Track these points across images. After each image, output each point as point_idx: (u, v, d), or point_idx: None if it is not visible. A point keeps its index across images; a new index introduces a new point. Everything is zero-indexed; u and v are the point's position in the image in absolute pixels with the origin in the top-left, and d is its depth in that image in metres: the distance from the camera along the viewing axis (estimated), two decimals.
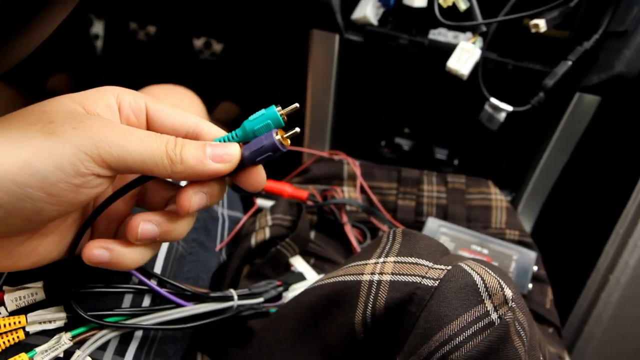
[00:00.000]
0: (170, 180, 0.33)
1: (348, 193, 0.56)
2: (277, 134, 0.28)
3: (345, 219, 0.54)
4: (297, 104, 0.28)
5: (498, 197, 0.57)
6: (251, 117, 0.29)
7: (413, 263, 0.32)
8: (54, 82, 1.12)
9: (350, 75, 0.60)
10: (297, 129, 0.28)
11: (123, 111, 0.30)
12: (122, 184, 0.30)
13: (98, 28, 1.15)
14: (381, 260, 0.33)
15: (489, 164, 0.65)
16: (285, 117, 0.28)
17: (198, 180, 0.28)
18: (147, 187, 0.33)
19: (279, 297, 0.44)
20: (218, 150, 0.28)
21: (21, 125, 0.25)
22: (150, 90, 0.52)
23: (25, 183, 0.24)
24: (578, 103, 0.53)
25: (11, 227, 0.25)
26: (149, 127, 0.31)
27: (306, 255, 0.52)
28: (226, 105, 1.13)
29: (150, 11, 1.11)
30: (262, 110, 0.29)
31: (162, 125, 0.30)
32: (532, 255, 0.52)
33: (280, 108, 0.28)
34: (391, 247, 0.34)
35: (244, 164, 0.29)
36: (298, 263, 0.48)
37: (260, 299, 0.43)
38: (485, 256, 0.52)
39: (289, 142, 0.28)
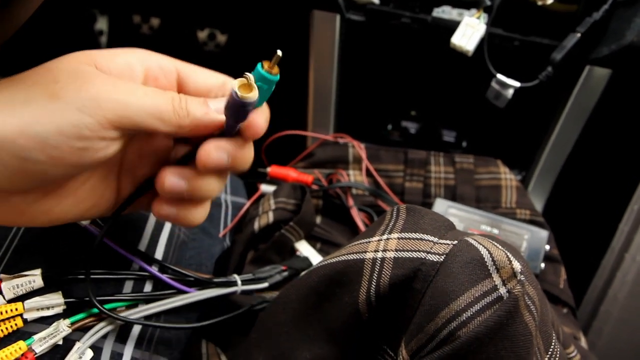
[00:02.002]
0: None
1: (354, 176, 0.55)
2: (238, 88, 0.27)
3: (351, 202, 0.53)
4: (279, 52, 0.27)
5: (508, 177, 0.56)
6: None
7: (417, 239, 0.31)
8: None
9: (354, 57, 0.59)
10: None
11: (151, 71, 0.30)
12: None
13: (102, 24, 1.15)
14: (385, 237, 0.32)
15: (498, 144, 0.64)
16: (275, 69, 0.28)
17: (204, 134, 0.29)
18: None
19: (284, 282, 0.44)
20: (220, 104, 0.28)
21: (26, 85, 0.25)
22: None
23: (25, 146, 0.24)
24: (588, 77, 0.52)
25: (17, 186, 0.25)
26: (181, 89, 0.31)
27: (312, 239, 0.51)
28: None
29: (154, 3, 1.11)
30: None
31: (196, 86, 0.30)
32: (543, 234, 0.51)
33: (266, 64, 0.28)
34: (395, 223, 0.33)
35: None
36: (303, 247, 0.47)
37: (265, 284, 0.42)
38: (495, 236, 0.51)
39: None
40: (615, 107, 0.54)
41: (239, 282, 0.41)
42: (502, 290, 0.28)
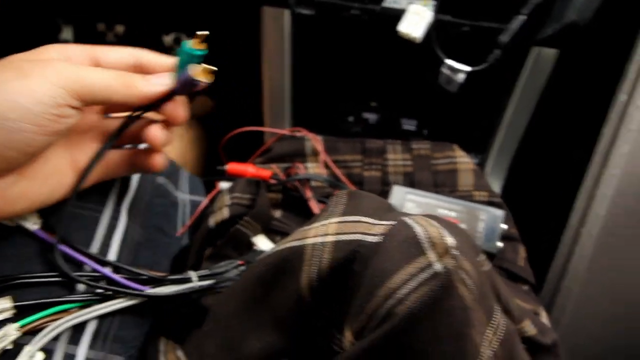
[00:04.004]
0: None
1: (312, 169, 0.56)
2: (194, 70, 0.34)
3: (309, 194, 0.53)
4: (206, 31, 0.33)
5: (464, 160, 0.56)
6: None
7: (356, 221, 0.31)
8: None
9: (308, 51, 0.60)
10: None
11: (74, 59, 0.35)
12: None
13: (67, 34, 1.14)
14: (325, 222, 0.33)
15: (456, 130, 0.64)
16: (201, 45, 0.34)
17: (150, 103, 0.36)
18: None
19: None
20: (158, 79, 0.35)
21: None
22: None
23: (16, 118, 0.29)
24: (536, 58, 0.53)
25: (8, 161, 0.30)
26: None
27: (271, 233, 0.51)
28: (201, 100, 1.12)
29: (117, 10, 1.10)
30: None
31: (108, 63, 0.35)
32: (499, 213, 0.52)
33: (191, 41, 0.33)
34: (336, 208, 0.33)
35: (176, 92, 0.36)
36: (261, 242, 0.47)
37: (222, 279, 0.42)
38: (452, 219, 0.52)
39: (209, 76, 0.35)
40: (565, 86, 0.55)
41: (195, 279, 0.41)
42: (438, 266, 0.28)
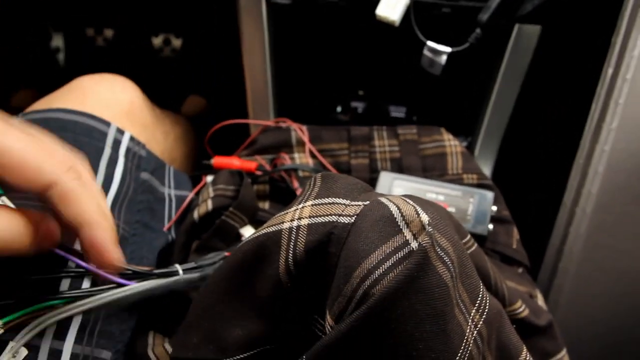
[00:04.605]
0: None
1: (299, 159, 0.55)
2: None
3: (296, 184, 0.53)
4: None
5: (452, 143, 0.56)
6: None
7: (330, 203, 0.31)
8: (19, 99, 1.12)
9: (290, 41, 0.59)
10: None
11: None
12: None
13: (57, 41, 1.15)
14: (300, 206, 0.32)
15: (444, 114, 0.64)
16: None
17: None
18: None
19: None
20: None
21: None
22: (80, 80, 0.51)
23: None
24: (519, 35, 0.52)
25: None
26: None
27: (260, 224, 0.51)
28: (193, 99, 1.12)
29: (105, 14, 1.10)
30: None
31: None
32: (489, 195, 0.51)
33: None
34: (310, 192, 0.33)
35: None
36: (248, 233, 0.47)
37: (209, 271, 0.42)
38: (442, 202, 0.51)
39: None
40: (551, 63, 0.54)
41: (181, 272, 0.41)
42: (414, 245, 0.28)
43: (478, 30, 0.51)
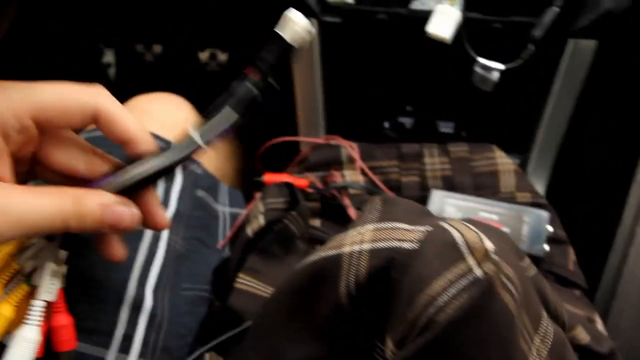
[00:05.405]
0: None
1: (349, 176, 0.56)
2: None
3: (347, 202, 0.53)
4: None
5: (504, 161, 0.55)
6: None
7: (391, 228, 0.31)
8: None
9: (340, 58, 0.60)
10: None
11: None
12: None
13: (109, 57, 1.20)
14: (361, 229, 0.32)
15: (496, 130, 0.63)
16: None
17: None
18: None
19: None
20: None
21: None
22: (136, 100, 0.53)
23: None
24: (574, 50, 0.51)
25: None
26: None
27: (312, 242, 0.51)
28: None
29: (154, 31, 1.14)
30: None
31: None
32: (544, 215, 0.50)
33: None
34: (371, 215, 0.33)
35: None
36: None
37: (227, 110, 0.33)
38: (494, 222, 0.50)
39: None
40: (607, 78, 0.53)
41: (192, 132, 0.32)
42: (478, 272, 0.27)
43: (531, 47, 0.50)
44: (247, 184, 0.61)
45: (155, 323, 0.38)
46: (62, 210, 0.27)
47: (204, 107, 0.65)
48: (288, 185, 0.51)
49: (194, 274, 0.44)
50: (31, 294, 0.30)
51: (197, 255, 0.46)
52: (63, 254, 0.31)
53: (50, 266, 0.30)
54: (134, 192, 0.30)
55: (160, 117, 0.52)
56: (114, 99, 0.30)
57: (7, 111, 0.26)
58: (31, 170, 0.31)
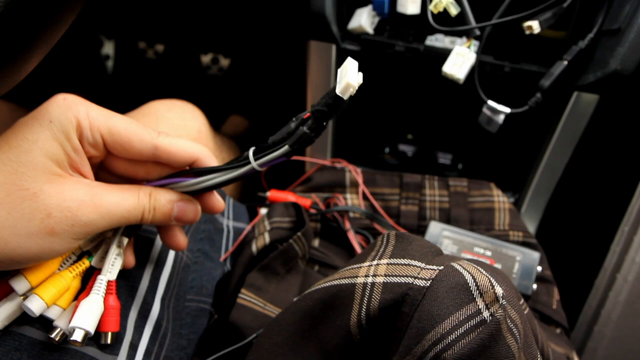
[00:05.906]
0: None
1: (351, 200, 0.57)
2: None
3: (348, 225, 0.54)
4: None
5: (501, 199, 0.57)
6: None
7: (405, 264, 0.33)
8: None
9: None
10: None
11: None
12: None
13: (108, 48, 1.19)
14: (375, 262, 0.34)
15: (492, 167, 0.65)
16: None
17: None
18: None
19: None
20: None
21: (21, 218, 0.28)
22: (153, 105, 0.54)
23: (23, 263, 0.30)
24: (577, 102, 0.53)
25: None
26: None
27: (310, 262, 0.53)
28: (235, 119, 1.15)
29: (158, 30, 1.14)
30: None
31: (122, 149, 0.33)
32: (535, 255, 0.52)
33: None
34: (384, 249, 0.35)
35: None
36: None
37: (285, 148, 0.33)
38: (488, 258, 0.52)
39: None
40: (604, 131, 0.56)
41: (251, 157, 0.34)
42: (485, 314, 0.29)
43: (538, 95, 0.52)
44: (249, 198, 0.62)
45: (159, 334, 0.39)
46: (141, 204, 0.32)
47: (203, 109, 0.66)
48: (295, 206, 0.52)
49: (197, 286, 0.45)
50: (89, 271, 0.35)
51: (201, 268, 0.46)
52: (124, 240, 0.35)
53: (114, 250, 0.35)
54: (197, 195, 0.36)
55: (175, 124, 0.53)
56: (171, 135, 0.34)
57: (87, 124, 0.30)
58: (95, 174, 0.34)
